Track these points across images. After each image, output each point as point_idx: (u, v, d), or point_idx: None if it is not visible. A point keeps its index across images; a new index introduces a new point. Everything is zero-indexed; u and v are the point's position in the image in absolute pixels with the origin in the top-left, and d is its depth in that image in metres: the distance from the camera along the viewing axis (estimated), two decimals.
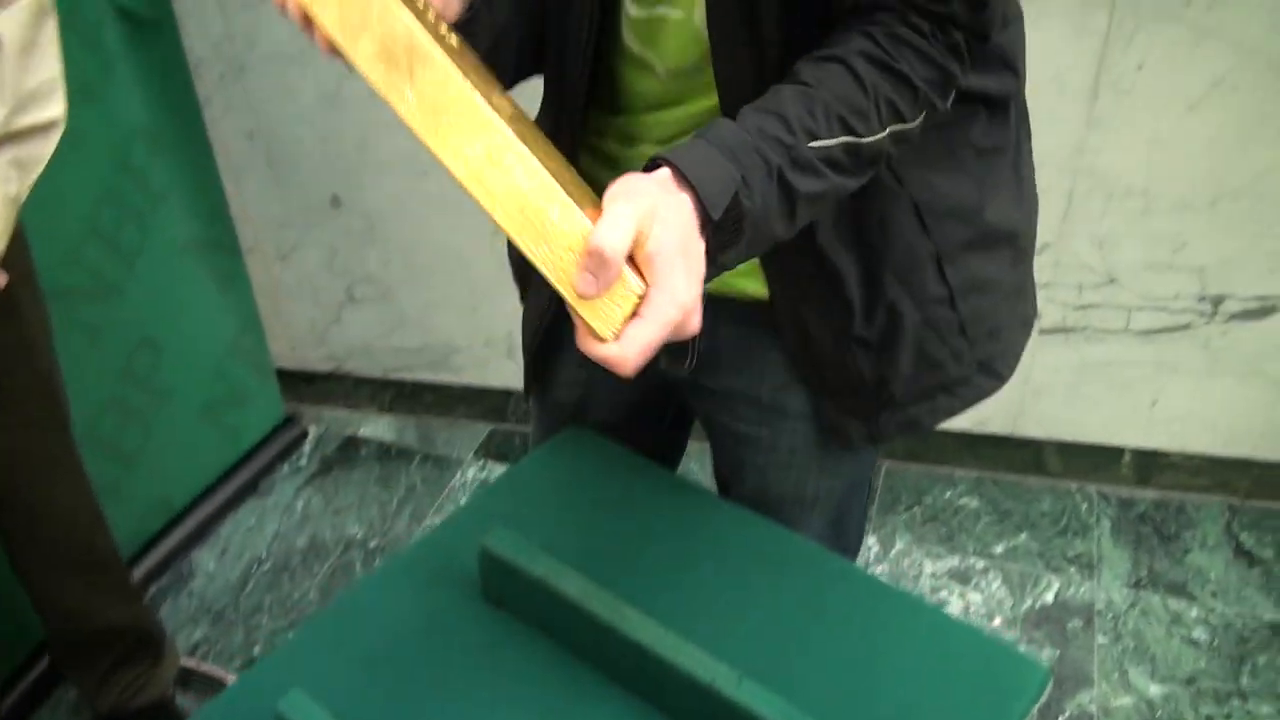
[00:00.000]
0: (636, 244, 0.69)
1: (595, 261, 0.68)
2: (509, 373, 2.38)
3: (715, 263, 0.76)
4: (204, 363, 2.15)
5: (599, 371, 0.73)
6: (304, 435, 2.42)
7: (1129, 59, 1.71)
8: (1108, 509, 2.13)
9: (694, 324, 0.72)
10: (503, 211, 0.68)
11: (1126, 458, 2.17)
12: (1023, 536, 2.08)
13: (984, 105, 0.95)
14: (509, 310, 2.19)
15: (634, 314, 0.70)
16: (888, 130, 0.83)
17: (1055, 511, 2.13)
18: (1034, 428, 2.19)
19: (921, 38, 0.83)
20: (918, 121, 0.85)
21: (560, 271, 0.69)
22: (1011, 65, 0.96)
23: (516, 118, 0.74)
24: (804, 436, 1.09)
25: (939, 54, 0.84)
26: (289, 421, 2.40)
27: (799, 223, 0.82)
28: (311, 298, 2.36)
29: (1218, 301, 1.95)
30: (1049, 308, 1.99)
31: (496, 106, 0.69)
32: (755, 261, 0.99)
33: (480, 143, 0.67)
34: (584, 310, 0.69)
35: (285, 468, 2.34)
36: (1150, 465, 2.16)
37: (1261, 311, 1.94)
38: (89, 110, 1.87)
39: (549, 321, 1.14)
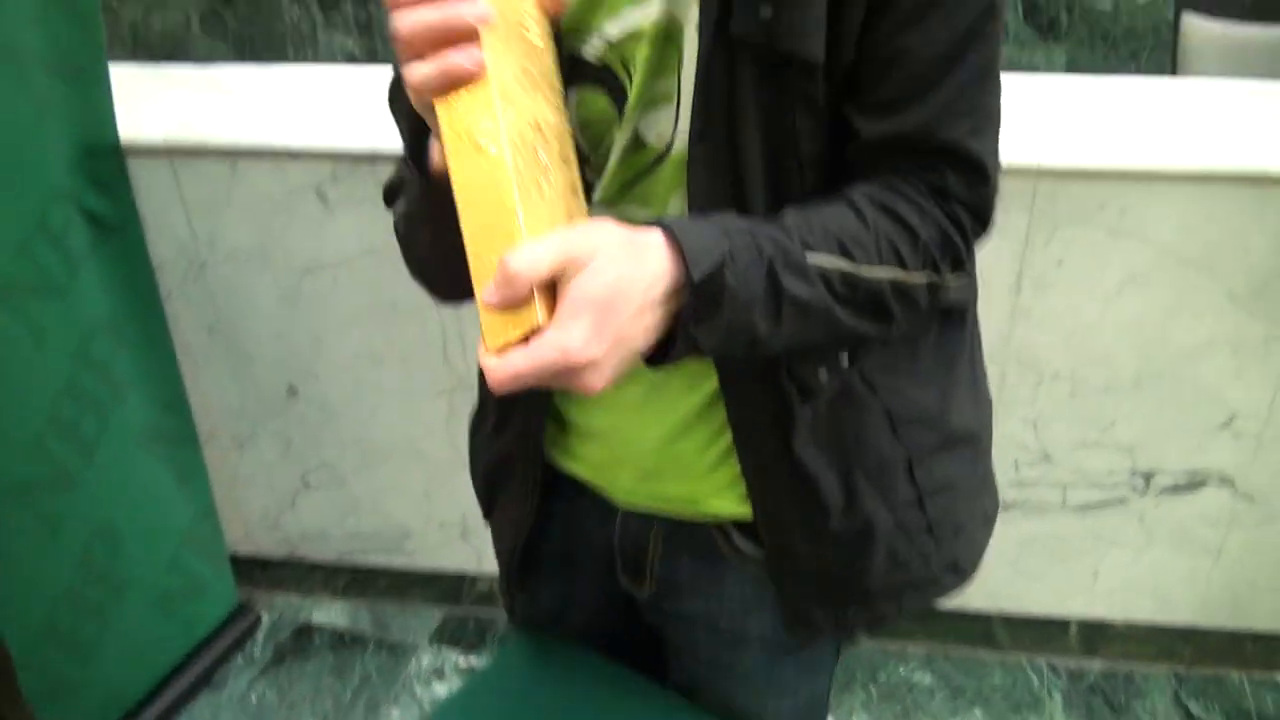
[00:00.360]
0: (559, 278, 0.70)
1: (502, 275, 0.68)
2: (463, 556, 2.40)
3: (688, 335, 0.77)
4: (160, 553, 2.15)
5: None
6: (257, 623, 2.40)
7: (1049, 256, 1.82)
8: (1058, 681, 2.16)
9: (590, 382, 0.71)
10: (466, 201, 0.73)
11: (1073, 629, 2.22)
12: (977, 712, 2.10)
13: (943, 311, 0.98)
14: (462, 494, 2.22)
15: (524, 340, 0.70)
16: (887, 269, 0.85)
17: (1007, 685, 2.16)
18: (982, 601, 2.24)
19: (921, 197, 0.87)
20: (920, 277, 0.87)
21: (481, 271, 0.71)
22: (970, 272, 0.97)
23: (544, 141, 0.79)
24: (764, 659, 1.11)
25: (939, 216, 0.87)
26: (242, 609, 2.39)
27: (783, 330, 0.82)
28: (266, 485, 2.38)
29: (1148, 476, 2.02)
30: None
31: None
32: (728, 478, 1.02)
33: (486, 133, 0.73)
34: (482, 316, 0.71)
35: (239, 658, 2.32)
36: (1096, 636, 2.21)
37: (1191, 485, 2.02)
38: (52, 307, 1.92)
39: (525, 539, 1.16)
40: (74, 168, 1.91)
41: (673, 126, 0.90)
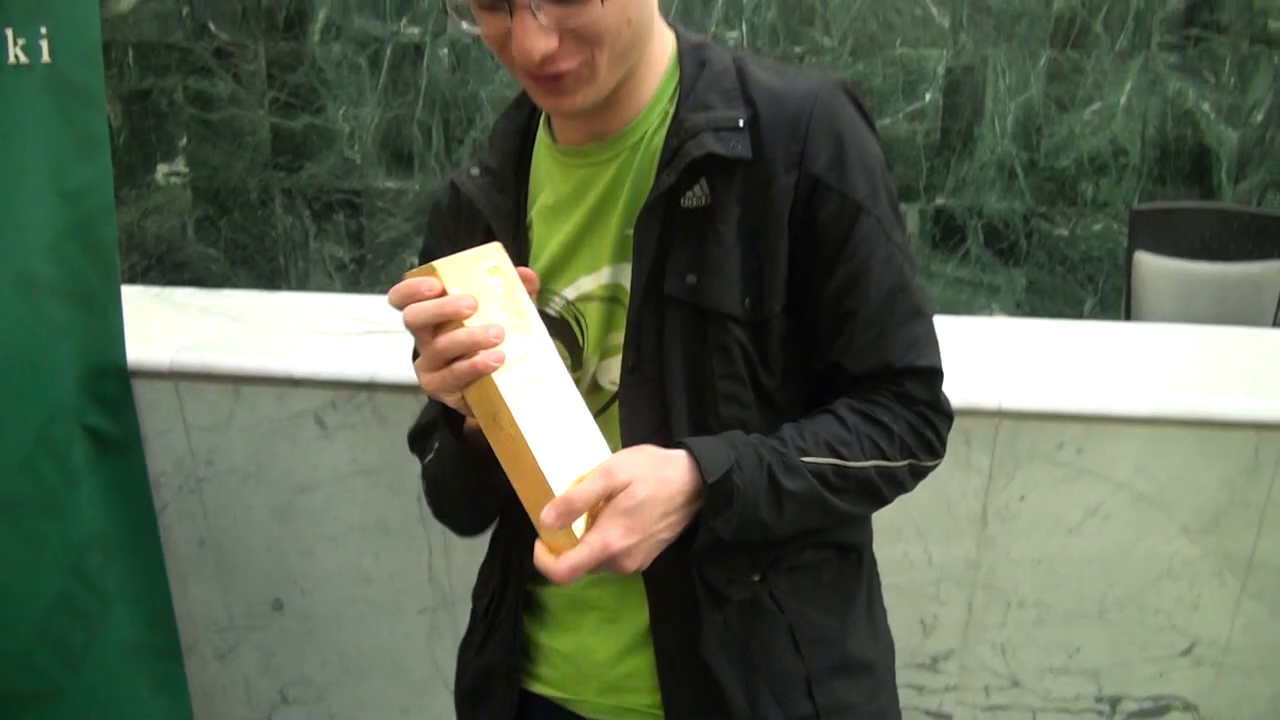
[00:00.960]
0: (603, 499, 0.95)
1: (566, 508, 0.94)
2: None
3: (709, 526, 1.01)
4: None
5: None
6: None
7: (1012, 492, 1.91)
8: None
9: (627, 564, 0.97)
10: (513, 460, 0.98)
11: None
12: None
13: (838, 551, 1.18)
14: (441, 711, 2.24)
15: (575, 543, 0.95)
16: (872, 461, 1.08)
17: None
18: None
19: (892, 403, 1.10)
20: (902, 463, 1.11)
21: (532, 507, 0.97)
22: (862, 522, 1.23)
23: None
24: None
25: (908, 416, 1.11)
26: None
27: (787, 516, 1.05)
28: (245, 699, 2.39)
29: (1115, 702, 2.08)
30: (960, 709, 2.10)
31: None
32: (644, 672, 1.16)
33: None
34: (541, 531, 0.97)
35: None
36: None
37: (1156, 711, 2.07)
38: (50, 521, 1.98)
39: None
40: (80, 387, 1.99)
41: (619, 370, 1.11)
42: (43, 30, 1.84)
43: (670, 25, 1.14)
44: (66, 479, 1.99)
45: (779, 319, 1.07)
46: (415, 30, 4.14)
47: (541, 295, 1.14)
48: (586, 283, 1.13)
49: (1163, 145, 4.05)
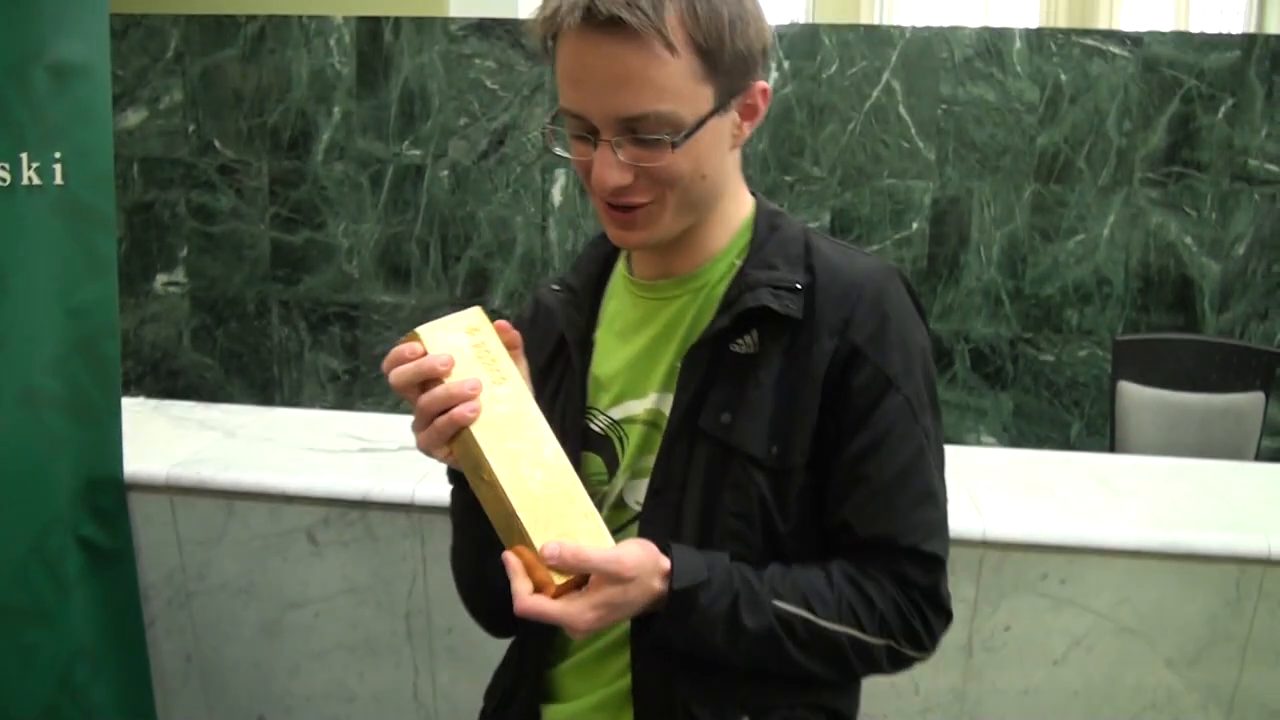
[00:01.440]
0: (595, 576, 1.02)
1: (571, 558, 1.00)
2: None
3: (663, 628, 1.07)
4: None
5: None
6: None
7: (996, 622, 1.93)
8: None
9: (576, 634, 1.03)
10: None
11: None
12: None
13: (828, 717, 1.21)
14: None
15: (554, 597, 1.01)
16: (845, 628, 1.10)
17: None
18: None
19: (886, 582, 1.12)
20: (879, 640, 1.12)
21: (510, 545, 1.05)
22: (853, 691, 1.25)
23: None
24: None
25: (900, 600, 1.12)
26: None
27: (739, 650, 1.09)
28: None
29: None
30: None
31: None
32: None
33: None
34: (519, 560, 1.03)
35: None
36: None
37: None
38: (40, 632, 1.98)
39: None
40: (77, 498, 2.01)
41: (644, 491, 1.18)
42: (57, 155, 1.90)
43: (752, 193, 1.24)
44: (58, 590, 2.00)
45: (800, 472, 1.13)
46: (417, 153, 4.25)
47: (589, 412, 1.23)
48: (634, 406, 1.21)
49: (1146, 276, 4.13)
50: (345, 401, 4.45)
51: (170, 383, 4.50)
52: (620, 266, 1.28)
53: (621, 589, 1.03)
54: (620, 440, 1.21)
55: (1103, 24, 7.55)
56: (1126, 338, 3.62)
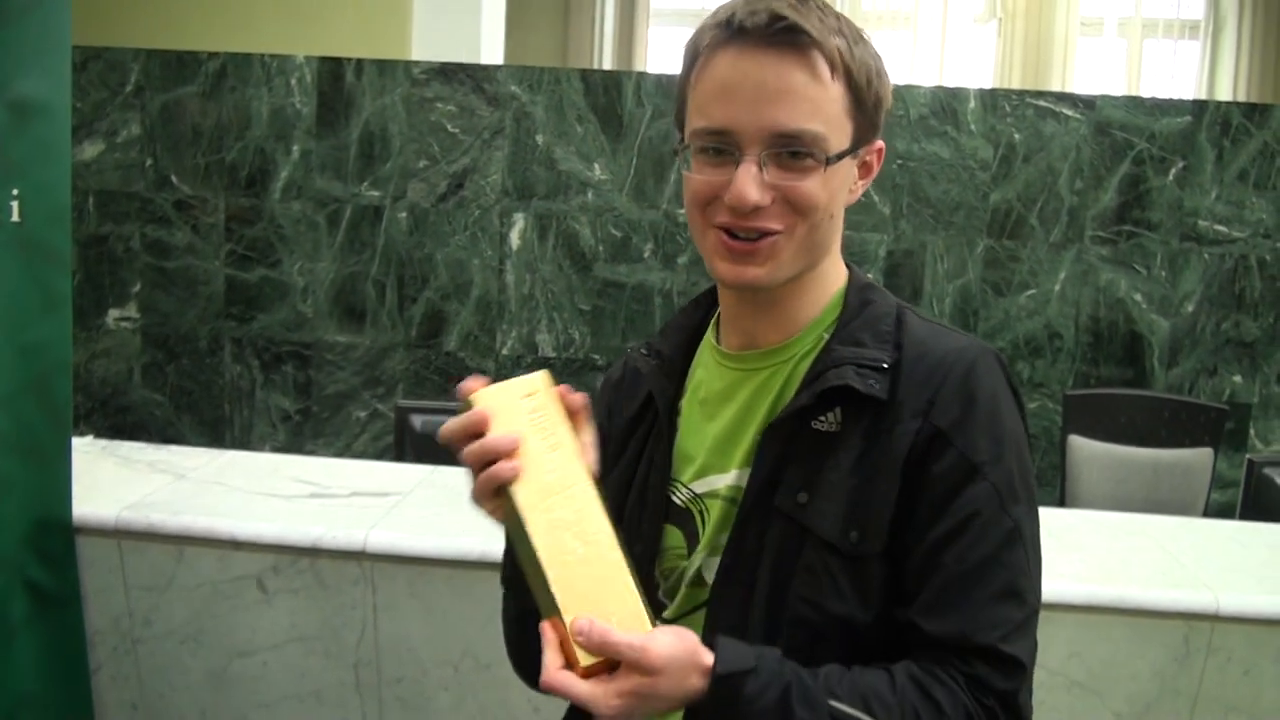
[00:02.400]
0: (624, 663, 0.96)
1: (598, 639, 0.95)
2: None
3: (706, 716, 0.99)
4: None
5: None
6: None
7: None
8: None
9: (599, 715, 0.96)
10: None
11: None
12: None
13: None
14: None
15: (584, 676, 0.96)
16: None
17: None
18: None
19: (957, 686, 1.02)
20: None
21: (545, 609, 1.01)
22: None
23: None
24: None
25: (970, 705, 1.02)
26: None
27: None
28: None
29: None
30: None
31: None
32: None
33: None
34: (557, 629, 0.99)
35: None
36: None
37: None
38: None
39: None
40: (23, 540, 1.98)
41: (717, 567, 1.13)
42: (14, 191, 1.88)
43: (848, 264, 1.21)
44: (3, 634, 1.97)
45: (878, 561, 1.07)
46: (376, 193, 4.24)
47: (672, 484, 1.20)
48: (716, 481, 1.17)
49: (1096, 331, 4.20)
50: (296, 442, 4.41)
51: (119, 419, 4.44)
52: (709, 335, 1.25)
53: (649, 680, 0.96)
54: (702, 515, 1.18)
55: (1055, 87, 7.69)
56: (1076, 392, 3.67)
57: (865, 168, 1.15)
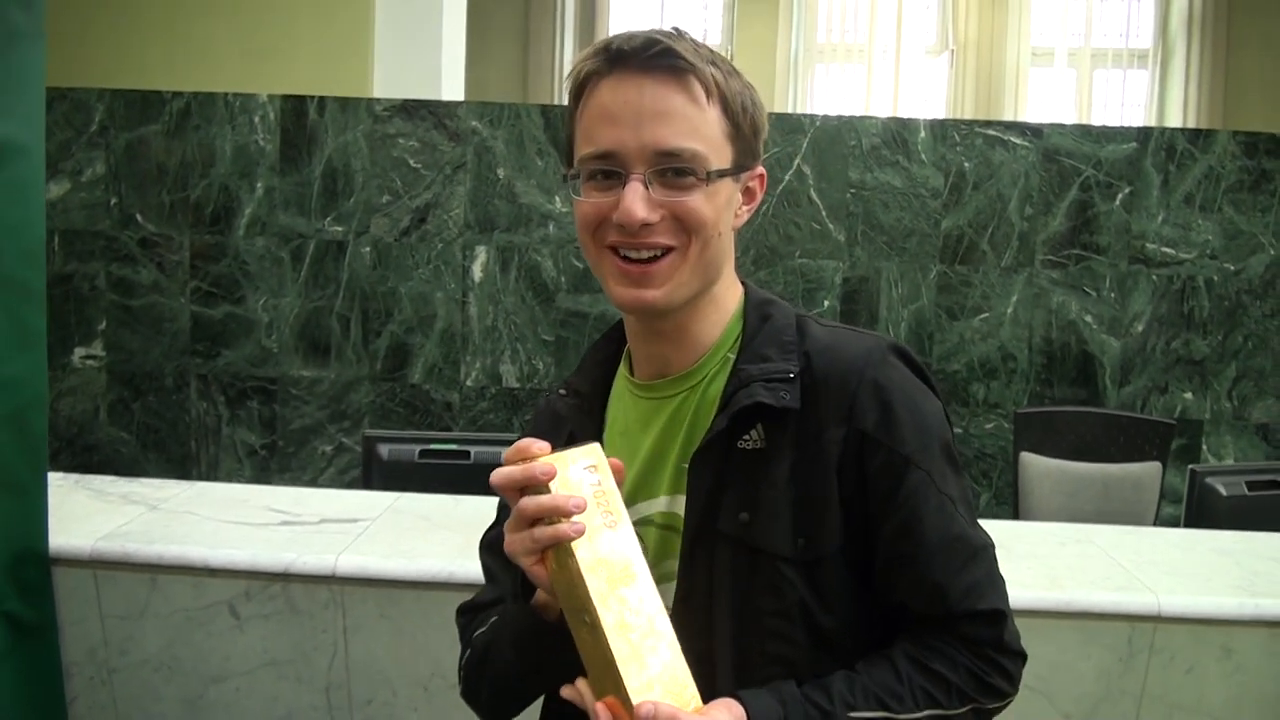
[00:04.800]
0: None
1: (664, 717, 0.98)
2: None
3: None
4: None
5: None
6: None
7: None
8: None
9: None
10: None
11: None
12: None
13: None
14: None
15: None
16: (925, 711, 1.09)
17: None
18: None
19: (954, 650, 1.12)
20: (961, 709, 1.12)
21: (602, 693, 1.03)
22: (1014, 691, 1.22)
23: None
24: None
25: (970, 663, 1.12)
26: None
27: None
28: None
29: None
30: None
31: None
32: None
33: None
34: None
35: None
36: None
37: None
38: None
39: None
40: (2, 573, 2.01)
41: (672, 598, 1.16)
42: None
43: (743, 281, 1.26)
44: None
45: (834, 560, 1.13)
46: (339, 229, 4.30)
47: None
48: (645, 508, 1.20)
49: (1049, 352, 4.31)
50: (262, 476, 4.43)
51: (86, 457, 4.45)
52: (622, 368, 1.28)
53: None
54: (641, 541, 1.18)
55: (1008, 116, 7.85)
56: (1026, 410, 3.77)
57: (749, 194, 1.20)
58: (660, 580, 1.14)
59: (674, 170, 1.10)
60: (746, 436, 1.14)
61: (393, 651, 2.11)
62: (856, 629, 1.15)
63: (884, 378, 1.14)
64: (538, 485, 1.03)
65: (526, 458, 1.04)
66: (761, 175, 1.20)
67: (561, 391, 1.29)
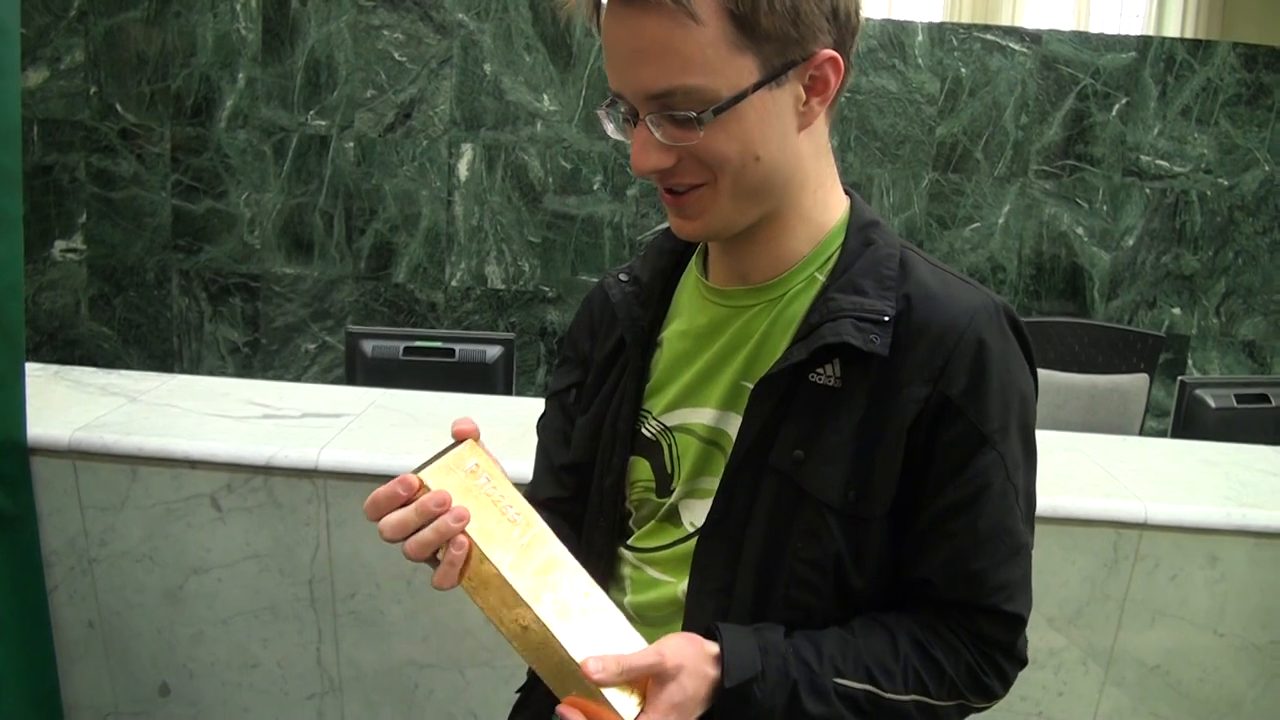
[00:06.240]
0: (651, 678, 0.96)
1: (613, 665, 0.94)
2: None
3: None
4: None
5: None
6: None
7: None
8: None
9: None
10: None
11: None
12: None
13: None
14: None
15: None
16: (912, 695, 1.04)
17: None
18: None
19: (960, 642, 1.06)
20: (947, 701, 1.06)
21: (562, 690, 0.98)
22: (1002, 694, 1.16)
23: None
24: None
25: (972, 660, 1.06)
26: None
27: None
28: None
29: None
30: None
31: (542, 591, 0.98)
32: None
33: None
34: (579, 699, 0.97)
35: None
36: None
37: None
38: None
39: None
40: None
41: (704, 518, 1.10)
42: None
43: (848, 192, 1.14)
44: None
45: (880, 523, 1.05)
46: (322, 123, 4.21)
47: (641, 415, 1.16)
48: (689, 415, 1.13)
49: (1038, 264, 4.28)
50: (245, 374, 4.41)
51: (67, 352, 4.41)
52: (694, 264, 1.19)
53: (677, 685, 0.97)
54: (670, 448, 1.14)
55: (1005, 21, 7.71)
56: None
57: (817, 83, 1.01)
58: (693, 495, 1.13)
59: (671, 113, 0.98)
60: (820, 370, 1.04)
61: (376, 545, 2.09)
62: (883, 595, 1.09)
63: (986, 346, 1.03)
64: (433, 519, 0.96)
65: (392, 500, 0.96)
66: (832, 59, 1.00)
67: (622, 277, 1.21)
